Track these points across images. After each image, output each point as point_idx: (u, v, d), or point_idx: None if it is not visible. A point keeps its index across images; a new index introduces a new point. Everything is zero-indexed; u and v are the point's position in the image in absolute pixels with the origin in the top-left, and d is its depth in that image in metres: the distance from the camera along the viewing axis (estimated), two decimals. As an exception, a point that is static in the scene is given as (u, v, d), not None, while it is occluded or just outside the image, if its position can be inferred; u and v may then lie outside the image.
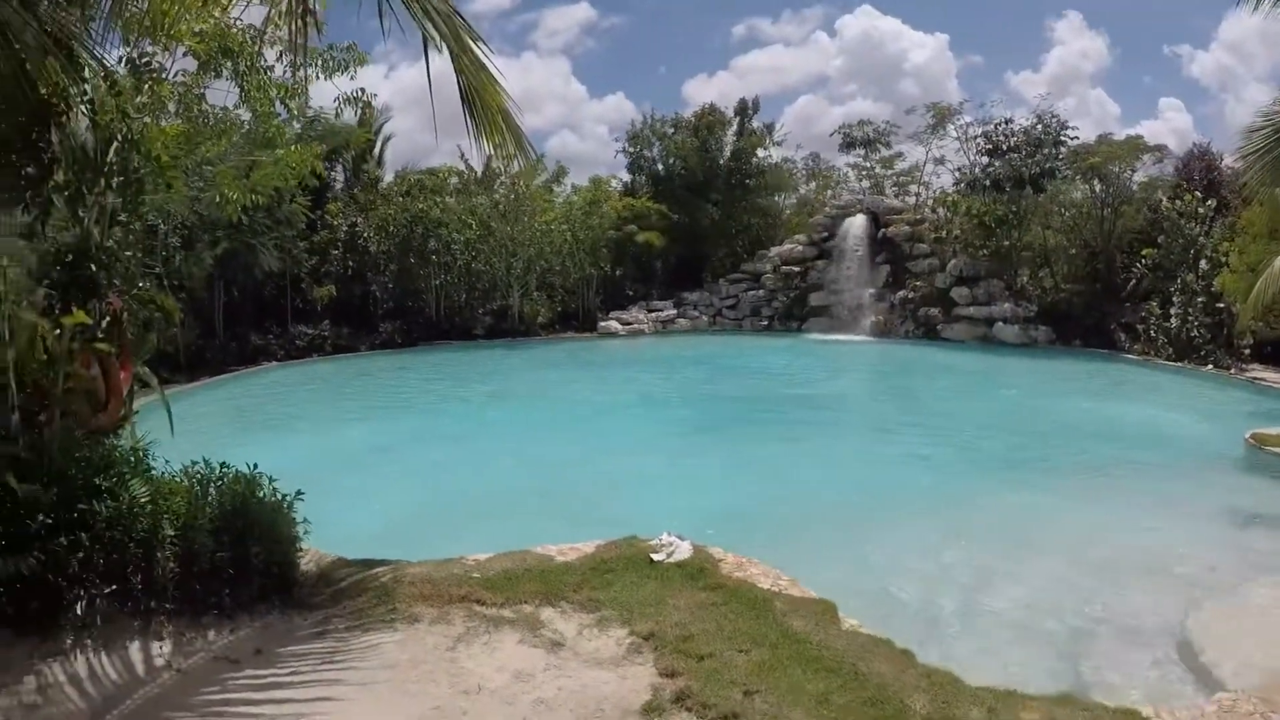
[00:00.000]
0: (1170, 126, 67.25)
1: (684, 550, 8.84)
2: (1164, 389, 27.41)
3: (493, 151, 7.67)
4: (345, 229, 37.13)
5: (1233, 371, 28.98)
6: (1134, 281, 35.27)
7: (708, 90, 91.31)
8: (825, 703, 5.96)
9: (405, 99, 72.12)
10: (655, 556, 8.72)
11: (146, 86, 7.43)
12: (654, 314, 43.98)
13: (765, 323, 44.36)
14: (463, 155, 42.01)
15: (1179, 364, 30.62)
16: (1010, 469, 16.89)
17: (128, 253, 8.49)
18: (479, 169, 42.49)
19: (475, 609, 7.46)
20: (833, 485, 15.41)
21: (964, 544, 11.73)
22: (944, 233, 40.90)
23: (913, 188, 49.47)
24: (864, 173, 50.62)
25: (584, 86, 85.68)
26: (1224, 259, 28.92)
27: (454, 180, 42.41)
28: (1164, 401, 25.07)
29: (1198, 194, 33.69)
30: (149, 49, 7.64)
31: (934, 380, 30.39)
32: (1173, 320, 31.87)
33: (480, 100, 7.15)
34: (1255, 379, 27.64)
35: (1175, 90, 79.49)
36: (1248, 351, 29.90)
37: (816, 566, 9.55)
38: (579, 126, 79.02)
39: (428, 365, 32.57)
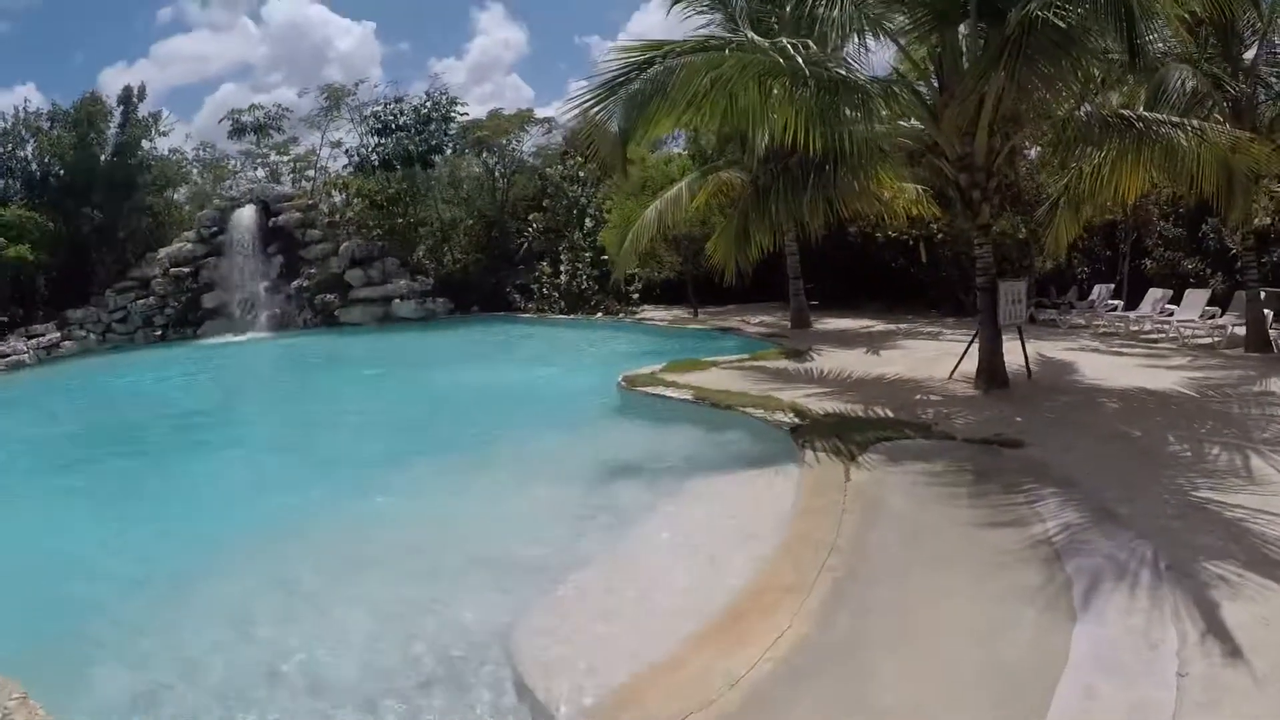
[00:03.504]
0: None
1: None
2: (554, 342, 27.86)
3: None
4: None
5: (622, 316, 30.22)
6: (525, 245, 35.95)
7: (126, 79, 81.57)
8: None
9: None
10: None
11: None
12: (34, 340, 37.26)
13: (159, 333, 39.97)
14: None
15: (572, 316, 31.67)
16: (344, 471, 14.71)
17: None
18: None
19: None
20: (138, 540, 11.93)
21: (273, 590, 9.19)
22: (338, 216, 39.74)
23: (310, 173, 47.60)
24: (258, 160, 48.02)
25: None
26: (606, 216, 29.93)
27: None
28: (549, 357, 25.06)
29: (579, 158, 34.72)
30: None
31: (303, 375, 28.51)
32: (563, 277, 32.69)
33: None
34: (643, 319, 29.15)
35: (586, 74, 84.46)
36: (637, 296, 31.43)
37: (80, 672, 7.44)
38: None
39: None
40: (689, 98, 12.31)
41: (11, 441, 20.51)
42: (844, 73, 12.71)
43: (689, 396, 15.03)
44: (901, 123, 14.74)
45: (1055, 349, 17.33)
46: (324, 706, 6.52)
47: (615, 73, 12.68)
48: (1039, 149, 20.96)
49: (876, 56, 14.21)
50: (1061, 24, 10.98)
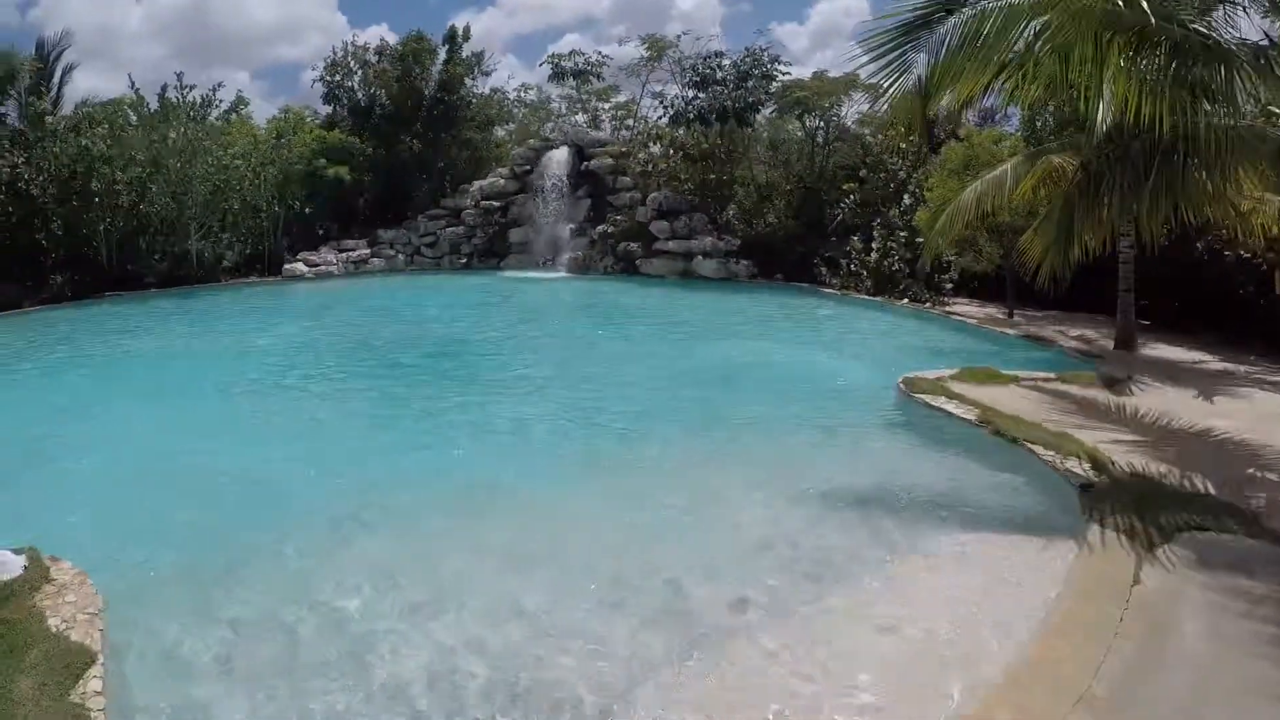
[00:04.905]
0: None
1: (12, 568, 7.27)
2: (849, 325, 25.52)
3: None
4: (7, 172, 31.86)
5: (929, 305, 27.54)
6: (839, 217, 33.74)
7: (474, 26, 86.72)
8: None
9: (158, 24, 67.28)
10: (-24, 578, 7.20)
11: None
12: (345, 254, 40.16)
13: (464, 260, 41.52)
14: (133, 83, 37.17)
15: (876, 298, 29.24)
16: (591, 439, 13.59)
17: None
18: (154, 100, 37.53)
19: None
20: (333, 468, 12.15)
21: (441, 566, 8.54)
22: (650, 167, 38.78)
23: (630, 122, 47.23)
24: (577, 105, 48.25)
25: (346, 17, 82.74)
26: (926, 195, 27.43)
27: (130, 114, 37.03)
28: (836, 340, 22.93)
29: (901, 128, 32.22)
30: None
31: (577, 320, 28.57)
32: (873, 255, 30.36)
33: None
34: (951, 313, 26.22)
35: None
36: (950, 286, 28.54)
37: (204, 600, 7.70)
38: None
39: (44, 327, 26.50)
40: (1007, 50, 10.04)
41: (284, 346, 22.55)
42: (1203, 29, 9.91)
43: (972, 417, 12.95)
44: (1272, 108, 11.82)
45: None
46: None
47: (916, 11, 10.44)
48: None
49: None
50: None
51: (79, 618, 6.54)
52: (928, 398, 14.16)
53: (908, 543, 8.68)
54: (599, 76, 46.50)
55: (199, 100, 37.20)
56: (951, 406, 13.52)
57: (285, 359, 20.80)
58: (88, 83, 72.43)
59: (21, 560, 7.32)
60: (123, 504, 10.55)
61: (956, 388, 14.58)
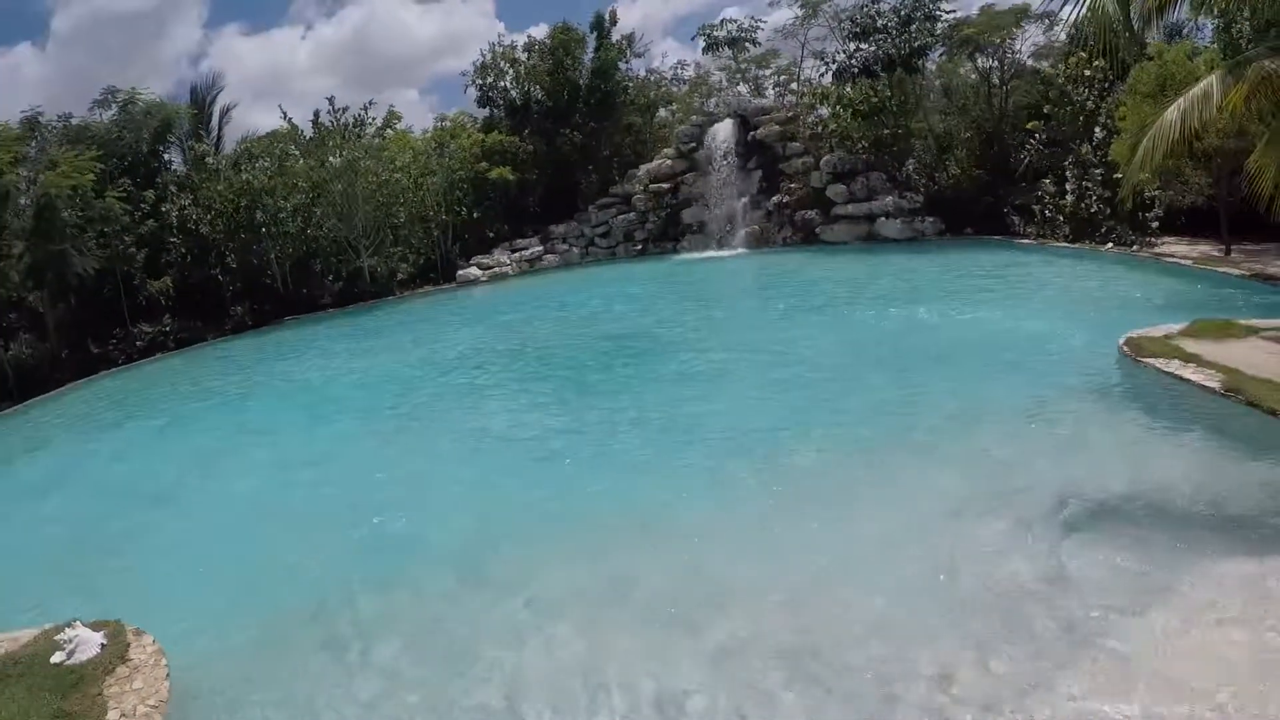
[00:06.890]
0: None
1: (90, 647, 7.17)
2: (1051, 278, 23.50)
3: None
4: (176, 214, 33.53)
5: (1137, 248, 25.37)
6: (1026, 160, 31.49)
7: (632, 14, 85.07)
8: None
9: (324, 58, 69.61)
10: (55, 657, 7.14)
11: None
12: (518, 254, 40.14)
13: (639, 247, 40.76)
14: (285, 114, 37.75)
15: (1076, 245, 27.16)
16: (752, 449, 12.23)
17: None
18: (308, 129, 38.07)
19: None
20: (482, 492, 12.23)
21: (561, 602, 8.30)
22: (820, 129, 36.99)
23: (794, 85, 45.54)
24: (737, 75, 46.81)
25: (503, 23, 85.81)
26: (1119, 125, 24.99)
27: (287, 145, 37.84)
28: (1039, 299, 20.86)
29: (1083, 54, 29.57)
30: None
31: (751, 300, 28.23)
32: (1068, 197, 28.11)
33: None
34: (1161, 255, 24.10)
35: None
36: (1156, 225, 26.12)
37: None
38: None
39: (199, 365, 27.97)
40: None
41: (441, 354, 23.01)
42: None
43: (1216, 385, 11.33)
44: None
45: None
46: None
47: None
48: None
49: None
50: None
51: (139, 710, 6.34)
52: (1158, 362, 12.57)
53: (1146, 577, 7.22)
54: (754, 42, 45.06)
55: (352, 121, 37.82)
56: (1189, 372, 11.93)
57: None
58: (264, 121, 75.26)
59: (99, 638, 7.18)
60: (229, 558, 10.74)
61: (1190, 347, 12.92)
